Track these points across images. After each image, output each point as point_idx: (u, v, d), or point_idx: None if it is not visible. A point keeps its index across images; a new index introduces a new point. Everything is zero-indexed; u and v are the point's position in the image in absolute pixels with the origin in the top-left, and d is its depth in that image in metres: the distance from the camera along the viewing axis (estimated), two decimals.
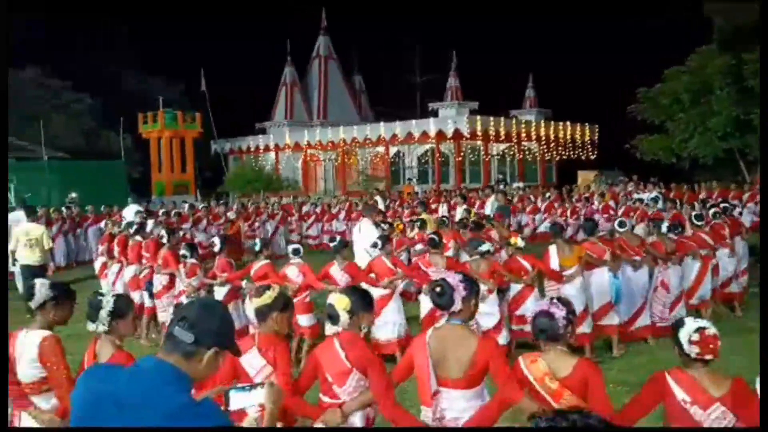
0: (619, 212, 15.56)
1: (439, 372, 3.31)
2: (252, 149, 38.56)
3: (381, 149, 34.15)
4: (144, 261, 8.79)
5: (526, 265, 7.32)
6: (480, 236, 8.43)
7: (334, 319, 3.55)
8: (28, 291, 3.76)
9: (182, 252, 7.95)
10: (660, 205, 12.72)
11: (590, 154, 36.52)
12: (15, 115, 34.83)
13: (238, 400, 2.34)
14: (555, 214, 18.00)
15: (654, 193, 16.39)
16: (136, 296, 8.45)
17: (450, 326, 3.39)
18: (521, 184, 28.90)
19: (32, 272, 9.76)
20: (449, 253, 8.83)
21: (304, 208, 20.03)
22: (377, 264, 7.51)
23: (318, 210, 19.57)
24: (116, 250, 9.48)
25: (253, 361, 3.48)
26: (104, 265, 10.14)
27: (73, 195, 15.95)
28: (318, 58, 40.95)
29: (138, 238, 9.09)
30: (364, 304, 3.60)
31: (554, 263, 7.36)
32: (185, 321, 2.09)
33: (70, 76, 37.63)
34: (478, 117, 31.77)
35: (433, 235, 7.78)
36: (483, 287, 5.85)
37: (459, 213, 14.86)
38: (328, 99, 40.55)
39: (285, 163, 37.57)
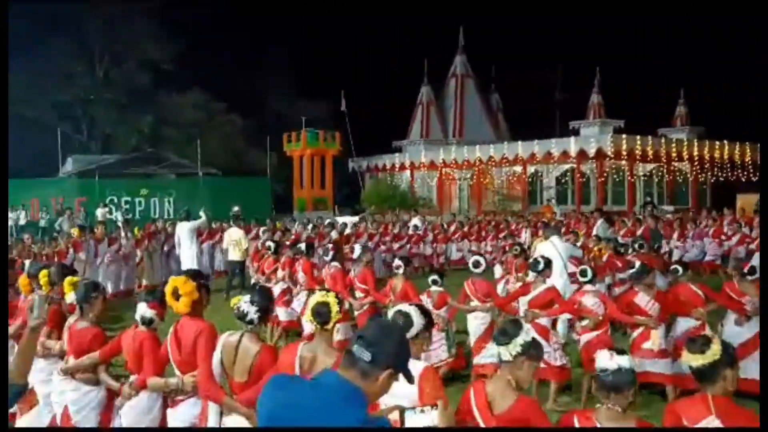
0: None
1: None
2: (388, 167, 39.19)
3: (518, 168, 33.37)
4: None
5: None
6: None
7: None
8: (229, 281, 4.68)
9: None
10: None
11: (751, 175, 33.45)
12: (176, 135, 38.07)
13: (413, 419, 2.45)
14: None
15: None
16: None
17: None
18: (671, 207, 27.01)
19: (233, 266, 13.61)
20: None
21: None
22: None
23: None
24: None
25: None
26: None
27: (236, 208, 17.09)
28: (455, 77, 40.96)
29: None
30: None
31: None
32: (363, 340, 2.16)
33: (224, 97, 40.39)
34: (624, 135, 30.18)
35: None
36: None
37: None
38: (465, 117, 40.37)
39: (420, 181, 37.79)
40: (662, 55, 47.24)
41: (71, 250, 13.00)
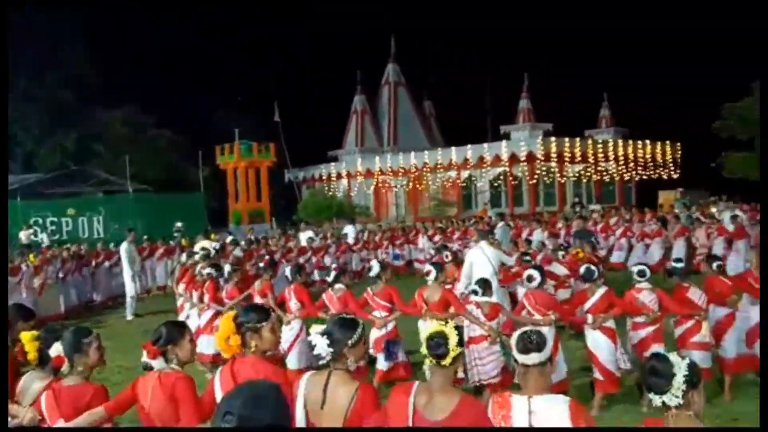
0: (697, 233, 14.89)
1: None
2: (324, 177, 39.14)
3: (452, 174, 33.93)
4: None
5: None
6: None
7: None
8: None
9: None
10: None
11: (672, 173, 35.06)
12: (104, 151, 36.87)
13: None
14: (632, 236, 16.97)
15: (737, 212, 15.49)
16: None
17: None
18: (598, 206, 27.99)
19: None
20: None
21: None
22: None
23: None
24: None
25: None
26: None
27: (179, 224, 16.68)
28: (387, 85, 41.34)
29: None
30: None
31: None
32: (231, 415, 1.81)
33: (153, 111, 39.47)
34: (552, 138, 31.15)
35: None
36: None
37: (536, 238, 14.53)
38: (398, 125, 40.78)
39: (357, 190, 37.88)
40: (586, 60, 49.04)
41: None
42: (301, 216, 32.81)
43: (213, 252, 10.82)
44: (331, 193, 36.54)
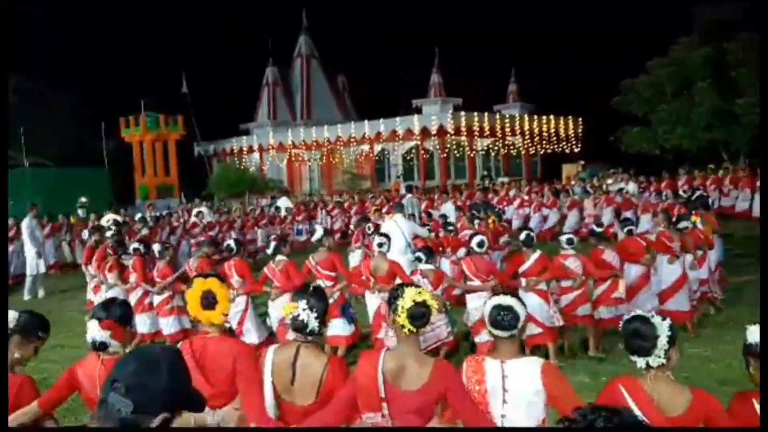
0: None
1: None
2: (236, 151, 38.35)
3: (366, 147, 34.11)
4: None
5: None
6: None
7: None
8: None
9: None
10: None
11: (574, 147, 36.71)
12: None
13: None
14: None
15: (622, 185, 16.86)
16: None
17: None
18: (506, 179, 29.01)
19: None
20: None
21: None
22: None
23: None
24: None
25: None
26: None
27: (83, 199, 15.88)
28: (300, 57, 40.77)
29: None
30: None
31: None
32: (120, 384, 1.68)
33: (52, 81, 37.12)
34: (462, 113, 31.84)
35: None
36: None
37: (447, 210, 14.96)
38: (312, 98, 40.41)
39: (269, 164, 37.39)
40: (494, 35, 50.15)
41: None
42: (211, 191, 32.10)
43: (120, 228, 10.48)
44: (243, 167, 35.89)
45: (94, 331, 3.23)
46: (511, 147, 35.12)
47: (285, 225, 18.03)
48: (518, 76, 38.13)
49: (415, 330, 2.90)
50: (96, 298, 8.91)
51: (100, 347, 3.23)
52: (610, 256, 7.41)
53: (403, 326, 2.90)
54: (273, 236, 10.36)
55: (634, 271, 7.65)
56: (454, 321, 7.28)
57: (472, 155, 33.43)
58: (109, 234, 9.45)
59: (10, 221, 15.34)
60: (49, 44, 37.83)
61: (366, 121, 33.63)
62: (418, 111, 33.86)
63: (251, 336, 7.27)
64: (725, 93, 22.13)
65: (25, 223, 13.55)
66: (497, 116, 33.77)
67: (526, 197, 18.51)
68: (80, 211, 17.42)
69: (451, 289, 7.60)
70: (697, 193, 12.79)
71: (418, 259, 7.11)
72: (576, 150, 36.52)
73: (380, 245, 7.17)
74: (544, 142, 35.98)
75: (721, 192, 17.75)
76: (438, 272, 7.19)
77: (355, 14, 50.99)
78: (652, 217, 9.68)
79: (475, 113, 32.10)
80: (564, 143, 36.60)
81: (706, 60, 22.58)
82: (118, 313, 3.29)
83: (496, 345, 3.10)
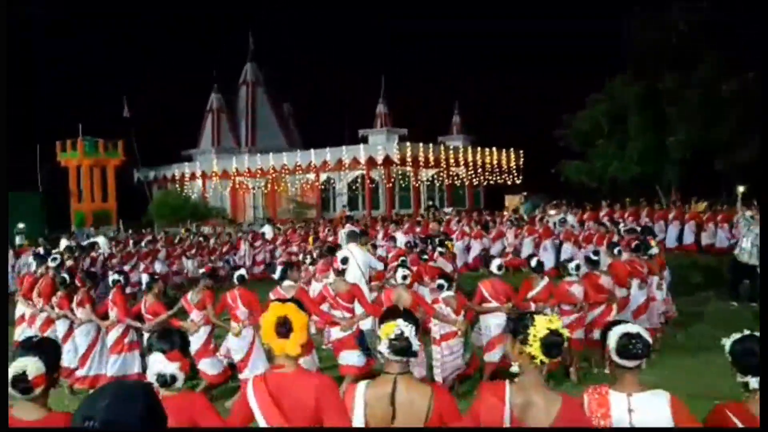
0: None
1: None
2: (177, 177, 37.60)
3: (311, 176, 34.00)
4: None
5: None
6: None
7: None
8: None
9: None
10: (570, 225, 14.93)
11: (516, 178, 37.54)
12: None
13: None
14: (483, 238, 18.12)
15: (561, 216, 17.33)
16: None
17: None
18: (451, 209, 29.36)
19: None
20: None
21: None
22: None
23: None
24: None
25: None
26: None
27: (21, 225, 15.21)
28: (245, 84, 40.56)
29: None
30: None
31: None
32: (91, 421, 1.60)
33: None
34: (408, 143, 32.17)
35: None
36: None
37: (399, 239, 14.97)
38: (257, 125, 40.14)
39: (212, 191, 36.80)
40: (438, 68, 51.25)
41: None
42: (151, 218, 31.32)
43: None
44: (184, 194, 35.19)
45: (160, 364, 2.92)
46: (455, 178, 35.64)
47: (215, 255, 17.73)
48: (461, 108, 38.96)
49: (547, 361, 2.70)
50: (32, 329, 8.31)
51: (171, 381, 2.91)
52: (606, 281, 7.91)
53: (533, 357, 2.68)
54: (203, 268, 9.86)
55: (620, 294, 8.21)
56: (471, 345, 7.53)
57: (417, 185, 33.75)
58: (53, 264, 8.85)
59: None
60: None
61: (312, 150, 33.58)
62: (364, 140, 34.05)
63: (257, 370, 6.74)
64: (658, 128, 23.08)
65: None
66: (441, 147, 34.26)
67: (466, 228, 18.77)
68: (18, 238, 16.68)
69: (470, 314, 7.61)
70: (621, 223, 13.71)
71: (440, 287, 7.10)
72: (518, 181, 37.34)
73: (404, 277, 7.03)
74: (486, 173, 36.65)
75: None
76: (460, 298, 7.15)
77: (301, 42, 51.29)
78: (606, 247, 9.96)
79: (421, 144, 32.48)
80: (506, 175, 37.39)
81: (637, 97, 23.50)
82: (180, 343, 2.99)
83: (620, 376, 2.94)
